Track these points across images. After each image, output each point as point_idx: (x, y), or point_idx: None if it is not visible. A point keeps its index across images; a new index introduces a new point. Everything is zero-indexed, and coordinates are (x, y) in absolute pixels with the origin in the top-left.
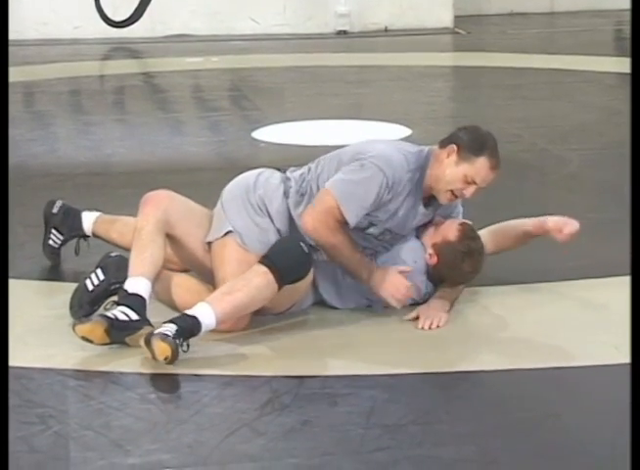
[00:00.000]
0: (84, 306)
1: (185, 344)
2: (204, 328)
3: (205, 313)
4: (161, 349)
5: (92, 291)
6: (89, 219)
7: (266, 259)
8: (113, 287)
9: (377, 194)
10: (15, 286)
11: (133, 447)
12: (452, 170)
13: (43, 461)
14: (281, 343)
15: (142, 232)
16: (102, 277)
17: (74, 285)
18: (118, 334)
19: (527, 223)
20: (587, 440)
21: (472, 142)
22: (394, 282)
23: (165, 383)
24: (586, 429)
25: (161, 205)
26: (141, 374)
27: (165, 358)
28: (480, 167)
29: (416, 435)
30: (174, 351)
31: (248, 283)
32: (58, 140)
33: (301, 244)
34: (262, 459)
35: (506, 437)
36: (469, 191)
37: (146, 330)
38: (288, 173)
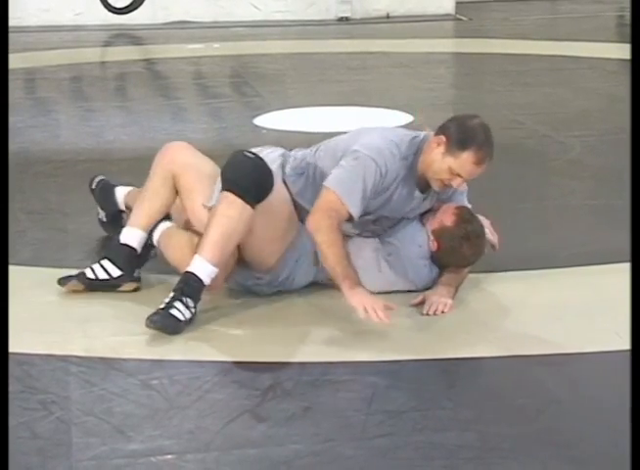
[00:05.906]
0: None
1: (194, 305)
2: (204, 279)
3: (199, 265)
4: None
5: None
6: (122, 193)
7: (223, 184)
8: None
9: (373, 183)
10: (16, 273)
11: (135, 433)
12: (439, 162)
13: (45, 447)
14: (282, 329)
15: (148, 184)
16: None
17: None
18: (99, 288)
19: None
20: (588, 426)
21: (458, 135)
22: (372, 299)
23: (167, 369)
24: (587, 415)
25: (167, 156)
26: (142, 360)
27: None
28: (463, 162)
29: (417, 421)
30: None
31: (214, 212)
32: (59, 127)
33: (245, 153)
34: (264, 445)
35: (507, 423)
36: (456, 182)
37: (128, 286)
38: (292, 152)
